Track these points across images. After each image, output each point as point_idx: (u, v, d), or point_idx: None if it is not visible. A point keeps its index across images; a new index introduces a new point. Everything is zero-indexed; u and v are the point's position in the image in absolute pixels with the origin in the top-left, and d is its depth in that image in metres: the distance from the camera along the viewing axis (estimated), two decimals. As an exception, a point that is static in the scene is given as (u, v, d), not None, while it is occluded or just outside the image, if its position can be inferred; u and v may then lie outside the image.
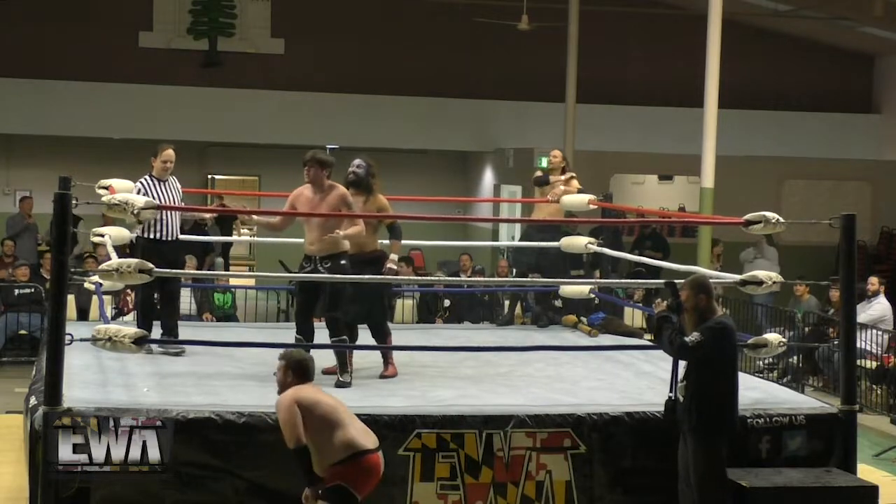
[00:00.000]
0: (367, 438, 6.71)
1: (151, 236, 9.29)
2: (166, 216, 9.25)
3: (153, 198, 9.14)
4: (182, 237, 9.75)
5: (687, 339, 7.25)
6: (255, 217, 9.62)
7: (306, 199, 8.62)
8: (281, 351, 6.94)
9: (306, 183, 8.65)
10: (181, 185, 9.68)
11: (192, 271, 9.57)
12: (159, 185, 9.38)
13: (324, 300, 8.60)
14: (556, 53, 19.64)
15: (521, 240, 11.96)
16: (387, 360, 8.81)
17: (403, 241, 9.34)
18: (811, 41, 22.72)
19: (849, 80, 22.94)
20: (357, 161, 9.14)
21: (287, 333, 9.58)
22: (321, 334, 8.70)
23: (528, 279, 10.95)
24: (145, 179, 9.37)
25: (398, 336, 9.27)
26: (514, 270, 12.33)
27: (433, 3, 21.20)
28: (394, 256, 9.07)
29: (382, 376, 8.70)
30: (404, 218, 9.14)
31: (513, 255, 12.73)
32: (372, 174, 9.07)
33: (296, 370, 6.72)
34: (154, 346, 8.99)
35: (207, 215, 14.23)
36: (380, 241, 9.22)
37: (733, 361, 7.42)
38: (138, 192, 9.16)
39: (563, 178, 11.31)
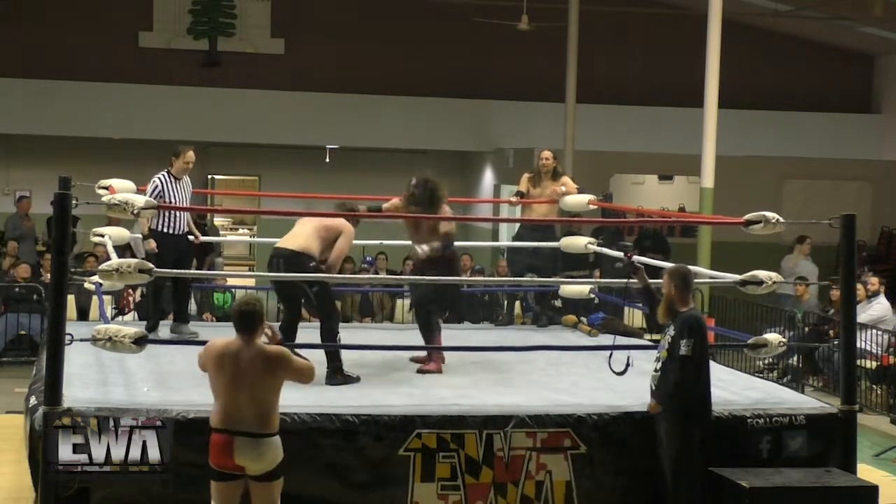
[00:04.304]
0: (222, 419, 6.46)
1: (164, 230, 9.65)
2: (179, 212, 9.65)
3: (170, 194, 9.65)
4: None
5: (682, 352, 7.37)
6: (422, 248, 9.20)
7: None
8: None
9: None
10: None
11: (191, 271, 9.60)
12: (175, 182, 9.77)
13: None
14: (556, 53, 19.65)
15: (513, 240, 11.89)
16: (430, 354, 8.92)
17: (404, 241, 9.34)
18: (811, 41, 22.72)
19: (849, 80, 22.95)
20: (414, 181, 9.04)
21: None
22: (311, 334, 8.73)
23: (528, 279, 10.94)
24: (163, 176, 9.76)
25: (398, 336, 9.27)
26: (510, 271, 12.30)
27: (433, 3, 21.20)
28: (424, 247, 9.01)
29: (423, 371, 8.78)
30: (405, 218, 9.11)
31: (508, 255, 12.71)
32: (432, 189, 8.96)
33: (233, 319, 6.57)
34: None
35: (207, 216, 14.33)
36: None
37: (705, 352, 7.52)
38: (155, 188, 9.65)
39: (556, 183, 11.17)
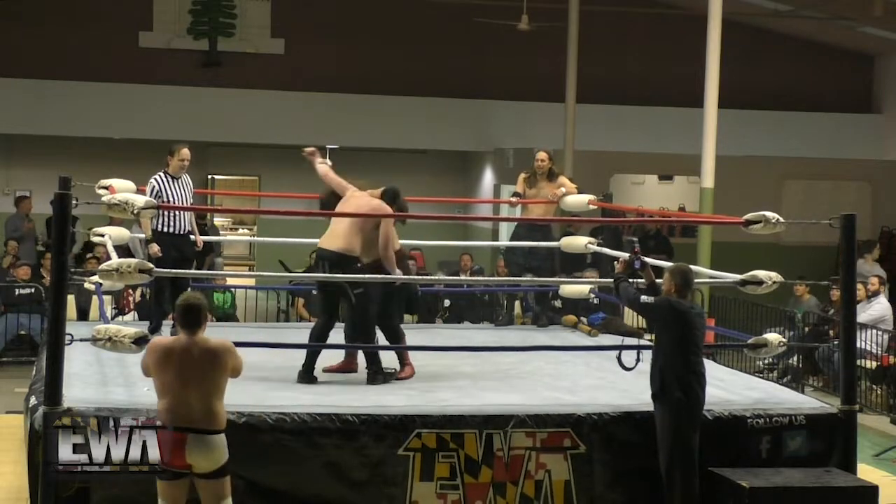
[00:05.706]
0: (170, 417, 6.50)
1: (166, 230, 9.54)
2: (180, 211, 9.51)
3: (168, 194, 9.51)
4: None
5: (644, 297, 7.61)
6: None
7: None
8: None
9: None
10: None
11: (191, 271, 9.58)
12: (174, 182, 9.65)
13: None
14: (556, 53, 19.65)
15: (510, 240, 11.84)
16: (402, 361, 8.80)
17: (403, 241, 9.33)
18: (811, 41, 22.71)
19: (849, 80, 22.94)
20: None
21: (286, 333, 9.58)
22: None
23: (528, 279, 10.93)
24: (160, 176, 9.63)
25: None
26: (507, 271, 12.28)
27: (433, 3, 21.20)
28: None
29: (398, 378, 8.67)
30: (405, 217, 9.10)
31: (505, 255, 12.71)
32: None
33: (178, 315, 6.60)
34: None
35: (207, 215, 14.29)
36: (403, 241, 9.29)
37: (689, 342, 7.53)
38: (153, 189, 9.51)
39: (553, 184, 11.10)
